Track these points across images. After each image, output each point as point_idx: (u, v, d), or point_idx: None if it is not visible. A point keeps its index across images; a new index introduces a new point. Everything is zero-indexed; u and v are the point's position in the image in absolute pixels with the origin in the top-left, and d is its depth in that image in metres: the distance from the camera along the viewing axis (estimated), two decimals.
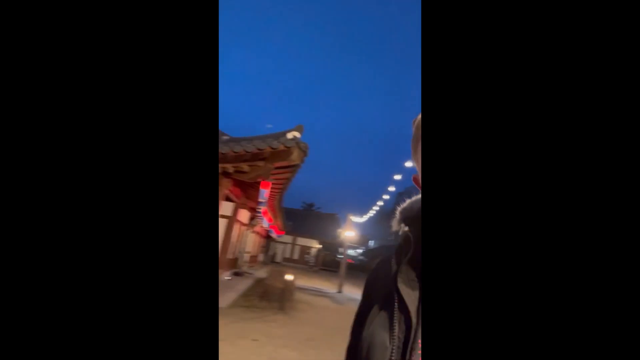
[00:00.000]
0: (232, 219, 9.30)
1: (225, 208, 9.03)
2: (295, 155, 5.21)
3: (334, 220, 30.16)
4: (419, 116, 0.51)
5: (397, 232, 0.59)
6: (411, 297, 0.46)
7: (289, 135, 5.37)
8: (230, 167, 5.58)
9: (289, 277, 7.54)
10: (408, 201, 0.59)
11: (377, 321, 0.49)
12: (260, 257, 21.82)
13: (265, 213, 9.50)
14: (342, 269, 13.43)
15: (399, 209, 0.60)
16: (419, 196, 0.57)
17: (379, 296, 0.53)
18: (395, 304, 0.46)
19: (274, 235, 18.65)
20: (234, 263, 12.40)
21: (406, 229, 0.55)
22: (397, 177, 13.92)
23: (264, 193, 6.57)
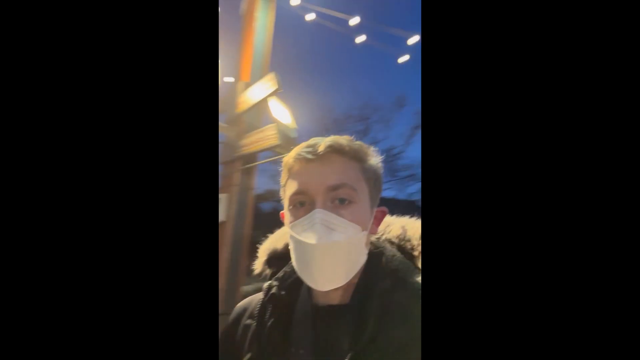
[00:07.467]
0: None
1: None
2: None
3: None
4: (293, 152, 0.44)
5: (260, 274, 0.47)
6: None
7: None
8: None
9: None
10: (269, 237, 0.48)
11: None
12: None
13: None
14: None
15: (260, 248, 0.48)
16: (283, 230, 0.45)
17: None
18: None
19: None
20: None
21: (268, 271, 0.45)
22: None
23: None
